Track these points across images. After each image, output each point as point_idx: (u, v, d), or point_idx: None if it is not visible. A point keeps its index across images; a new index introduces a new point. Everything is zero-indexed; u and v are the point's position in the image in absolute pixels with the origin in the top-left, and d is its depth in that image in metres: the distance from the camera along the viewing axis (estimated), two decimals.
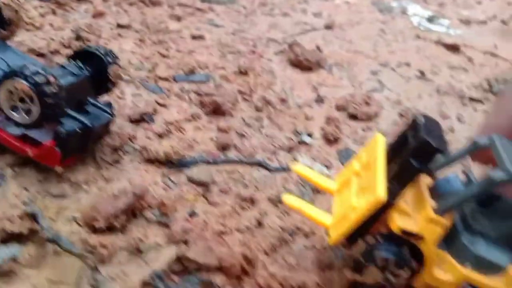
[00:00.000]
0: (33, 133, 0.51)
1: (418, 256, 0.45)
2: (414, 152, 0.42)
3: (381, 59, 0.96)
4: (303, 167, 0.54)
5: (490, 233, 0.46)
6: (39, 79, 0.48)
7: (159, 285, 0.43)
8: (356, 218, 0.44)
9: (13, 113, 0.51)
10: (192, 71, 0.76)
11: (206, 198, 0.57)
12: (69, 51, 0.73)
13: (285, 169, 0.64)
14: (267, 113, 0.73)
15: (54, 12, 0.87)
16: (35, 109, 0.50)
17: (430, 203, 0.44)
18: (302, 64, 0.87)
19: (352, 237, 0.45)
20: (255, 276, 0.48)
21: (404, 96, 0.85)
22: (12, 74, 0.49)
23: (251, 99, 0.75)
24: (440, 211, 0.43)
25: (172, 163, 0.59)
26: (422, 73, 0.93)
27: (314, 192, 0.61)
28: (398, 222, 0.43)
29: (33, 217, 0.47)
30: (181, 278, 0.45)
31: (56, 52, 0.76)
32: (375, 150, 0.47)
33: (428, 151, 0.42)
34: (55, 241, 0.46)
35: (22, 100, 0.50)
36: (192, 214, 0.53)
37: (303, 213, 0.49)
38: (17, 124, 0.51)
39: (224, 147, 0.65)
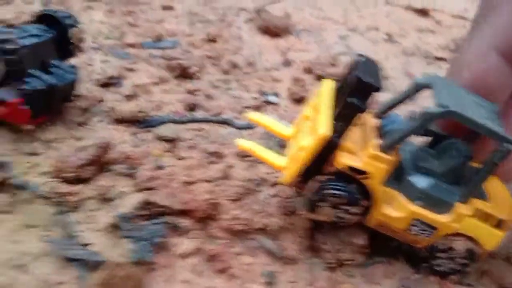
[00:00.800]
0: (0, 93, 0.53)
1: (368, 195, 0.48)
2: (350, 90, 0.44)
3: (350, 24, 0.98)
4: (259, 115, 0.56)
5: (436, 170, 0.49)
6: None
7: (125, 226, 0.46)
8: (304, 156, 0.46)
9: None
10: (159, 38, 0.78)
11: (173, 153, 0.59)
12: None
13: (251, 127, 0.66)
14: (234, 76, 0.75)
15: None
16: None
17: (375, 141, 0.47)
18: (270, 31, 0.89)
19: (304, 177, 0.48)
20: (220, 219, 0.51)
21: None
22: None
23: (219, 63, 0.77)
24: (383, 148, 0.46)
25: (139, 123, 0.61)
26: (389, 36, 0.95)
27: (280, 147, 0.63)
28: (343, 159, 0.46)
29: (2, 166, 0.49)
30: (146, 221, 0.48)
31: (26, 24, 0.77)
32: (323, 93, 0.49)
33: (362, 88, 0.44)
34: (24, 188, 0.48)
35: None
36: (159, 167, 0.55)
37: (258, 156, 0.51)
38: None
39: (191, 108, 0.67)
